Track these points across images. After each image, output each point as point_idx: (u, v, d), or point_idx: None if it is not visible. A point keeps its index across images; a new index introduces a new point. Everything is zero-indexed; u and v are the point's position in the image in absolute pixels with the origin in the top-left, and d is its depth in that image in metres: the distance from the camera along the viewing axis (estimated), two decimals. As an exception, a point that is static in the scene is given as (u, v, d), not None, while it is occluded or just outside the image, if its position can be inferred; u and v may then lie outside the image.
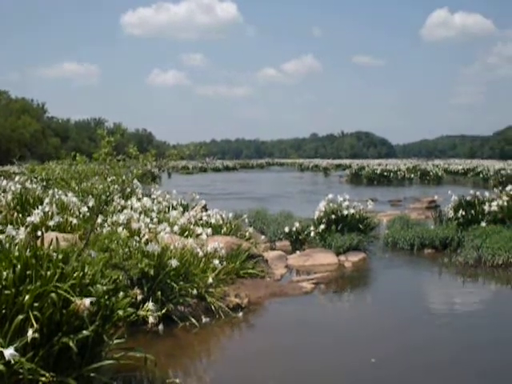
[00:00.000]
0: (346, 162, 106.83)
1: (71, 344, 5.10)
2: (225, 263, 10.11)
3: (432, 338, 8.33)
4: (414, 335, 8.48)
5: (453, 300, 11.02)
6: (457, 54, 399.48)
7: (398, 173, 53.98)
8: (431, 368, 7.01)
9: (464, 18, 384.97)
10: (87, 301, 5.24)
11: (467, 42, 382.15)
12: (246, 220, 14.83)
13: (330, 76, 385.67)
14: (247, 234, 13.20)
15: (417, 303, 10.58)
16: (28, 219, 10.17)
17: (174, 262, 8.41)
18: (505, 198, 15.95)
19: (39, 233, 9.00)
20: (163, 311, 7.92)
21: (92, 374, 5.44)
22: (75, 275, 5.59)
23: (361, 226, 14.66)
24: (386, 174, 53.18)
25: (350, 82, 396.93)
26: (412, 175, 55.02)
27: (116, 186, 7.82)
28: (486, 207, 15.59)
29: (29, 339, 4.93)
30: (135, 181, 9.34)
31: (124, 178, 7.68)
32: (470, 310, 10.16)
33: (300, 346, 7.95)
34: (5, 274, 5.36)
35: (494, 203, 15.64)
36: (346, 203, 14.73)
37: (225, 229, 12.94)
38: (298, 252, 14.03)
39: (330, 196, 15.05)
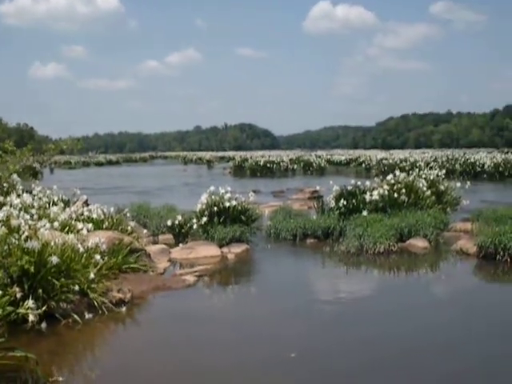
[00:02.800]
0: (230, 154, 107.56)
1: None
2: (106, 258, 10.03)
3: (317, 327, 8.54)
4: (299, 326, 8.61)
5: (337, 288, 11.29)
6: (339, 46, 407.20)
7: (281, 164, 54.66)
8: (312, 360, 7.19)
9: (346, 10, 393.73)
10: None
11: (350, 33, 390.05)
12: (128, 214, 14.74)
13: (213, 68, 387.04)
14: (129, 228, 13.15)
15: (301, 293, 10.72)
16: None
17: (54, 259, 8.29)
18: (385, 186, 16.36)
19: None
20: (44, 308, 7.81)
21: (-29, 376, 5.35)
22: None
23: (243, 218, 14.74)
24: (269, 165, 53.73)
25: (232, 74, 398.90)
26: (295, 166, 55.85)
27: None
28: (368, 196, 15.96)
29: None
30: (15, 176, 9.17)
31: (0, 174, 7.53)
32: (354, 298, 10.41)
33: (184, 340, 8.01)
34: None
35: (375, 192, 16.04)
36: (228, 195, 14.79)
37: (106, 223, 12.82)
38: (181, 245, 14.02)
39: (212, 188, 15.07)
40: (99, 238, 10.15)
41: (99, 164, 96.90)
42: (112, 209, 13.89)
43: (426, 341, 7.77)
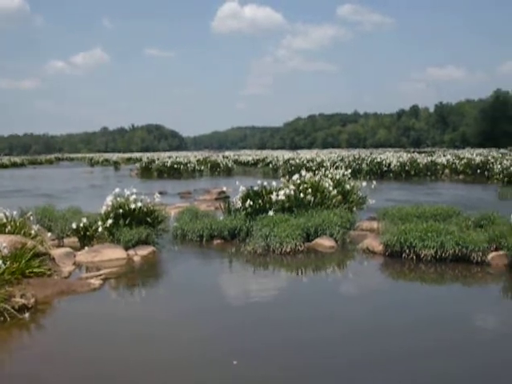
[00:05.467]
0: (137, 155, 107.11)
1: None
2: (9, 263, 9.81)
3: (220, 330, 8.54)
4: (202, 329, 8.62)
5: (243, 290, 11.24)
6: (248, 46, 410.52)
7: (189, 165, 54.54)
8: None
9: (254, 10, 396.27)
10: None
11: (258, 34, 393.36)
12: (32, 217, 14.46)
13: (120, 68, 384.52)
14: (33, 231, 12.88)
15: (207, 295, 10.67)
16: None
17: (-48, 265, 8.09)
18: (291, 186, 16.41)
19: None
20: None
21: None
22: None
23: (149, 220, 14.64)
24: (176, 166, 53.52)
25: (140, 74, 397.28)
26: (202, 167, 55.83)
27: None
28: (274, 196, 15.99)
29: None
30: None
31: None
32: (261, 299, 10.40)
33: (88, 345, 7.88)
34: None
35: (282, 192, 16.06)
36: (134, 197, 14.66)
37: (9, 227, 12.55)
38: (86, 248, 13.78)
39: (117, 190, 14.88)
40: (1, 243, 9.95)
41: (3, 166, 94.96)
42: (15, 212, 13.59)
43: (343, 344, 7.86)
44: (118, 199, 14.67)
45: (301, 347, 7.62)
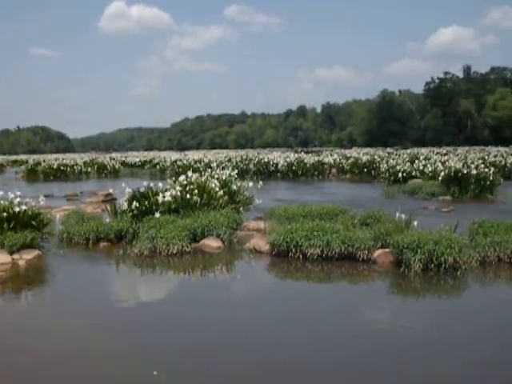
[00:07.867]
0: (23, 157, 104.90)
1: None
2: None
3: (104, 331, 8.60)
4: (86, 331, 8.64)
5: (129, 292, 11.26)
6: (134, 47, 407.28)
7: (75, 167, 53.78)
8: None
9: (141, 10, 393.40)
10: None
11: (144, 34, 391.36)
12: None
13: (4, 68, 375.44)
14: None
15: (98, 296, 10.68)
16: None
17: None
18: (178, 188, 16.46)
19: None
20: None
21: None
22: None
23: (34, 223, 14.42)
24: (62, 168, 52.69)
25: (25, 74, 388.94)
26: (89, 169, 55.11)
27: None
28: (160, 198, 16.00)
29: None
30: None
31: None
32: (146, 302, 10.57)
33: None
34: None
35: (168, 193, 16.09)
36: (18, 200, 14.44)
37: None
38: (-31, 253, 13.54)
39: (1, 193, 14.64)
40: None
41: None
42: None
43: (236, 345, 7.97)
44: (2, 202, 14.44)
45: (185, 350, 7.74)
